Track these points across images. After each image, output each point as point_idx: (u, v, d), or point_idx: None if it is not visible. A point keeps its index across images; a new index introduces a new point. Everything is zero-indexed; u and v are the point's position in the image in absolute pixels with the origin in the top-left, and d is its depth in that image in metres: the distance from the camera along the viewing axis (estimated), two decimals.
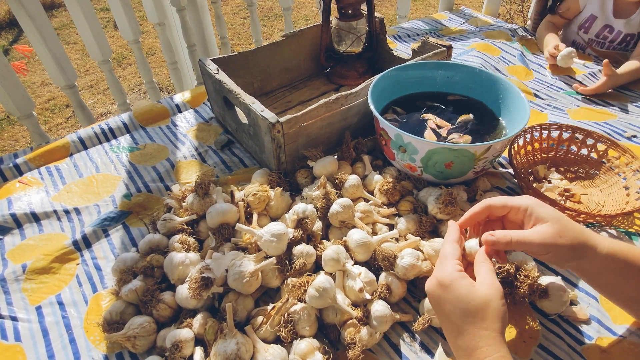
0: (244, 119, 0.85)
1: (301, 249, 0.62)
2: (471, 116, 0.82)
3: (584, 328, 0.59)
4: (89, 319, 0.62)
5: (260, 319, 0.57)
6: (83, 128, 0.98)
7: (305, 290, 0.56)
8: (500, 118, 0.82)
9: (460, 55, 1.22)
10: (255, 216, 0.69)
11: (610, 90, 1.08)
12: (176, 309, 0.61)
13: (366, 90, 0.79)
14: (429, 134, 0.79)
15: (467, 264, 0.54)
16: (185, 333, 0.55)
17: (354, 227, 0.67)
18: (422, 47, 0.97)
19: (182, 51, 1.95)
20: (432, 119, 0.82)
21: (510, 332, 0.58)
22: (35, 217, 0.77)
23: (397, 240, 0.67)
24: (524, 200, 0.50)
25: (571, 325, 0.59)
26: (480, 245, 0.52)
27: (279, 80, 1.08)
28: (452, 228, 0.54)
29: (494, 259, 0.52)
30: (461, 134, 0.78)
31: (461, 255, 0.51)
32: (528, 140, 0.84)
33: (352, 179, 0.72)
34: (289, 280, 0.59)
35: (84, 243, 0.73)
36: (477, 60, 1.17)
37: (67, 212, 0.78)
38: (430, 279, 0.49)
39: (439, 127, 0.80)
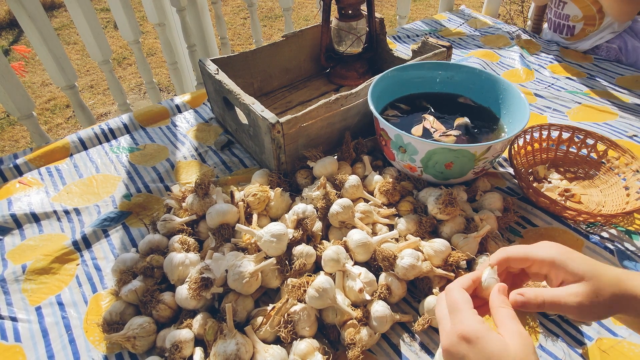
0: (244, 119, 0.85)
1: (301, 249, 0.63)
2: (467, 120, 0.82)
3: (584, 328, 0.59)
4: (89, 319, 0.62)
5: (260, 319, 0.57)
6: (83, 128, 0.98)
7: (305, 291, 0.56)
8: (500, 118, 0.82)
9: (458, 62, 1.21)
10: (255, 216, 0.69)
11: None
12: (176, 310, 0.61)
13: (366, 90, 0.79)
14: (416, 130, 0.79)
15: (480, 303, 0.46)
16: (185, 333, 0.55)
17: (353, 227, 0.67)
18: (422, 47, 0.97)
19: (182, 51, 1.95)
20: (428, 120, 0.82)
21: None
22: (35, 218, 0.77)
23: (397, 240, 0.67)
24: (548, 252, 0.44)
25: (571, 325, 0.59)
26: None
27: (279, 80, 1.08)
28: (464, 277, 0.47)
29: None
30: (450, 135, 0.78)
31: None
32: (528, 140, 0.84)
33: (352, 180, 0.72)
34: (289, 280, 0.59)
35: (84, 243, 0.73)
36: (476, 67, 1.17)
37: (67, 212, 0.78)
38: (448, 333, 0.41)
39: (434, 129, 0.80)
